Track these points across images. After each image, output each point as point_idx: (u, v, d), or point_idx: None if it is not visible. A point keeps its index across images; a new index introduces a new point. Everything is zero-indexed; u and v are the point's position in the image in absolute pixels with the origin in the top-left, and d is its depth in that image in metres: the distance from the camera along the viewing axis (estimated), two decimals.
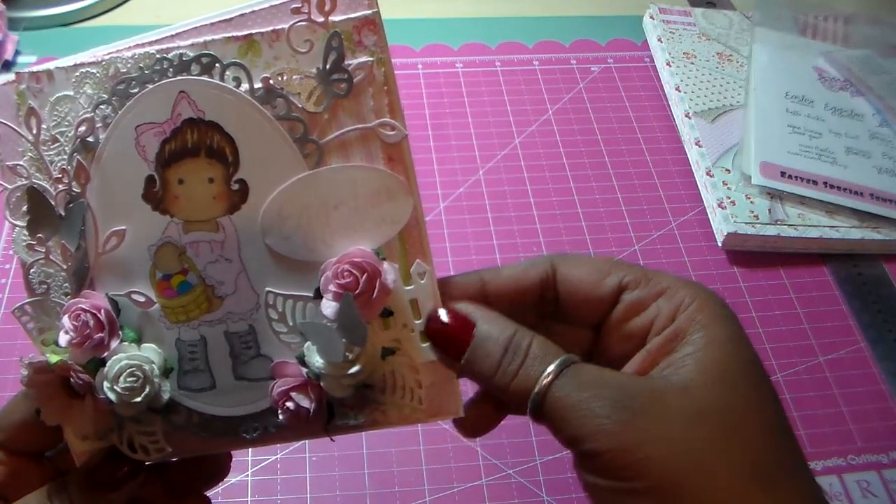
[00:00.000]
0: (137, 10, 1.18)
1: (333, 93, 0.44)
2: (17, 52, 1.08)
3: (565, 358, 0.43)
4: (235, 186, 0.45)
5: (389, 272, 0.44)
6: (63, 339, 0.46)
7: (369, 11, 0.44)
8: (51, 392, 0.46)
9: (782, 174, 0.92)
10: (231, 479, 0.70)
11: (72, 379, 0.46)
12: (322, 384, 0.45)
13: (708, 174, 0.95)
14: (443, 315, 0.45)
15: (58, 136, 0.47)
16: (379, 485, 0.72)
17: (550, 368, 0.42)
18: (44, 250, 0.48)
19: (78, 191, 0.47)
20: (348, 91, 0.44)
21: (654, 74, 1.12)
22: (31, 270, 0.49)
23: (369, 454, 0.74)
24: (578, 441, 0.40)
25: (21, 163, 0.48)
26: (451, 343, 0.45)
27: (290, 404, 0.45)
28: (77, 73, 0.46)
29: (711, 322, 0.43)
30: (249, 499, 0.71)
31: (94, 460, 0.48)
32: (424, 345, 0.46)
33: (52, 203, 0.47)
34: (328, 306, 0.44)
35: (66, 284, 0.48)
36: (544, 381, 0.42)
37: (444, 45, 1.14)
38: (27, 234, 0.48)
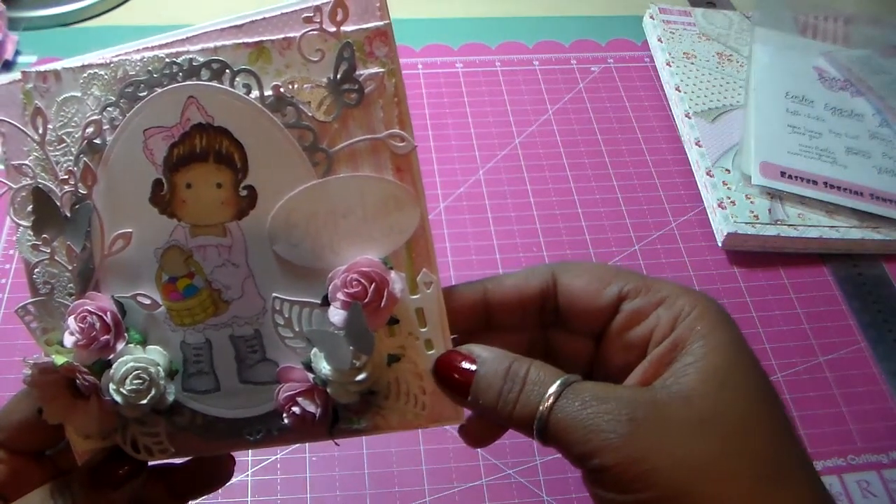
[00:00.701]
0: (138, 10, 1.18)
1: (344, 103, 0.44)
2: (17, 52, 1.08)
3: (564, 379, 0.43)
4: (244, 192, 0.45)
5: (397, 282, 0.44)
6: (68, 340, 0.46)
7: (381, 23, 0.44)
8: (54, 392, 0.46)
9: (782, 174, 0.93)
10: (231, 478, 0.70)
11: (77, 380, 0.46)
12: (328, 390, 0.45)
13: (708, 174, 0.95)
14: (448, 359, 0.46)
15: (64, 136, 0.47)
16: (379, 485, 0.72)
17: (550, 391, 0.42)
18: (49, 251, 0.48)
19: (84, 192, 0.47)
20: (359, 101, 0.44)
21: (654, 74, 1.12)
22: (36, 270, 0.49)
23: (369, 454, 0.74)
24: (586, 458, 0.41)
25: (26, 162, 0.48)
26: (458, 383, 0.45)
27: (296, 409, 0.46)
28: (85, 75, 0.46)
29: (711, 330, 0.43)
30: (249, 499, 0.71)
31: (97, 459, 0.48)
32: (430, 352, 0.46)
33: (58, 204, 0.47)
34: (336, 314, 0.44)
35: (71, 285, 0.48)
36: (546, 405, 0.42)
37: (444, 45, 1.14)
38: (32, 234, 0.48)
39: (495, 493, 0.72)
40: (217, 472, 0.54)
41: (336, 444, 0.48)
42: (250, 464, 0.72)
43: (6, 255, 0.87)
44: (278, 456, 0.73)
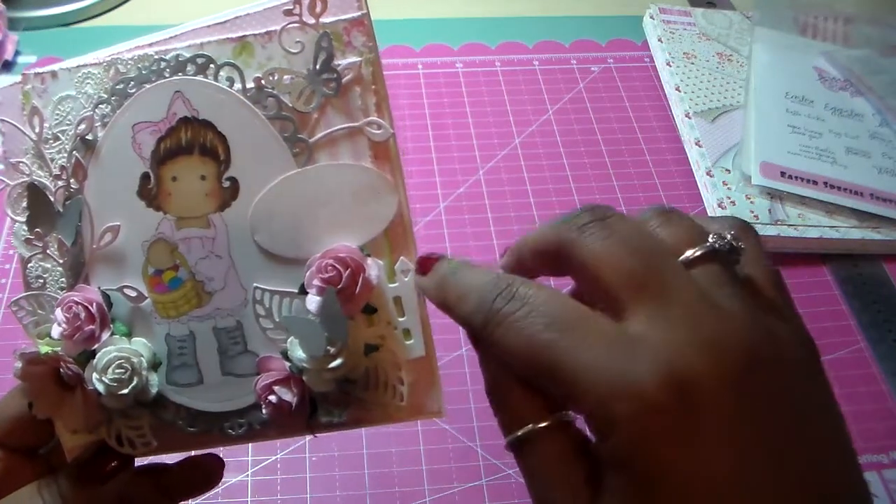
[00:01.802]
0: (137, 10, 1.19)
1: (323, 92, 0.45)
2: (17, 52, 1.09)
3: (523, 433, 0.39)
4: (227, 184, 0.45)
5: (373, 268, 0.44)
6: (55, 331, 0.47)
7: (358, 13, 0.45)
8: (42, 385, 0.47)
9: (782, 174, 0.92)
10: (231, 479, 0.70)
11: (62, 370, 0.46)
12: (304, 378, 0.45)
13: (708, 174, 0.95)
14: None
15: (59, 134, 0.48)
16: (379, 485, 0.72)
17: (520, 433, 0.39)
18: (41, 245, 0.49)
19: (76, 187, 0.48)
20: (337, 90, 0.45)
21: (654, 74, 1.12)
22: (29, 265, 0.50)
23: (369, 454, 0.74)
24: None
25: (23, 160, 0.49)
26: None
27: (272, 398, 0.46)
28: (79, 74, 0.48)
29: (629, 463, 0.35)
30: (249, 499, 0.71)
31: (85, 454, 0.49)
32: (408, 342, 0.46)
33: (52, 199, 0.48)
34: (312, 301, 0.44)
35: (63, 279, 0.49)
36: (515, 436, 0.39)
37: (444, 45, 1.15)
38: (26, 229, 0.49)
39: (495, 493, 0.72)
40: (206, 474, 0.54)
41: (315, 436, 0.48)
42: (250, 464, 0.72)
43: (6, 255, 0.87)
44: (278, 456, 0.73)
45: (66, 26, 1.15)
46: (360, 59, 0.44)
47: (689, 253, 0.39)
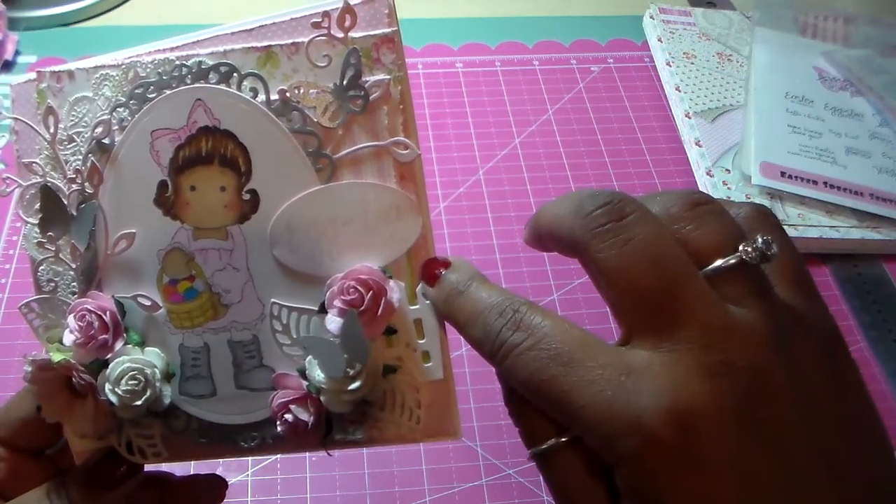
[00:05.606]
0: (137, 10, 1.18)
1: (349, 109, 0.44)
2: (17, 52, 1.08)
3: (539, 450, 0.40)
4: (247, 196, 0.45)
5: (395, 291, 0.44)
6: (68, 338, 0.46)
7: (389, 30, 0.44)
8: (53, 390, 0.47)
9: (782, 174, 0.93)
10: (231, 479, 0.70)
11: (74, 379, 0.46)
12: (322, 398, 0.45)
13: (708, 174, 0.95)
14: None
15: (74, 136, 0.48)
16: (379, 485, 0.72)
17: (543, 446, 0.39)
18: (54, 248, 0.48)
19: (91, 191, 0.47)
20: (364, 108, 0.44)
21: (654, 74, 1.12)
22: (40, 268, 0.49)
23: (369, 454, 0.74)
24: None
25: (37, 161, 0.48)
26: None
27: (288, 416, 0.46)
28: (97, 75, 0.47)
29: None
30: (249, 499, 0.71)
31: (93, 459, 0.49)
32: (426, 365, 0.46)
33: (65, 202, 0.48)
34: (332, 322, 0.44)
35: (74, 283, 0.48)
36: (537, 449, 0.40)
37: (444, 45, 1.14)
38: (38, 231, 0.48)
39: (495, 493, 0.72)
40: (210, 491, 0.54)
41: (329, 454, 0.48)
42: (250, 463, 0.72)
43: (6, 255, 0.86)
44: (278, 455, 0.73)
45: (66, 26, 1.14)
46: (388, 76, 0.44)
47: (718, 263, 0.38)
